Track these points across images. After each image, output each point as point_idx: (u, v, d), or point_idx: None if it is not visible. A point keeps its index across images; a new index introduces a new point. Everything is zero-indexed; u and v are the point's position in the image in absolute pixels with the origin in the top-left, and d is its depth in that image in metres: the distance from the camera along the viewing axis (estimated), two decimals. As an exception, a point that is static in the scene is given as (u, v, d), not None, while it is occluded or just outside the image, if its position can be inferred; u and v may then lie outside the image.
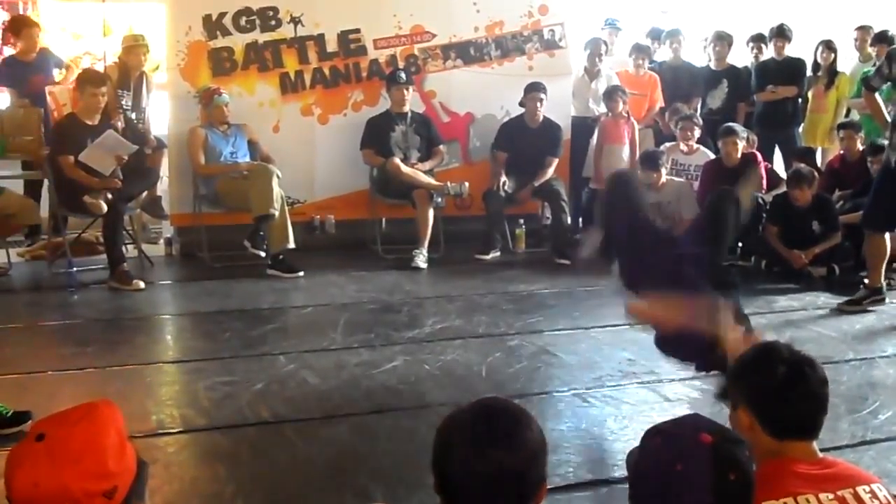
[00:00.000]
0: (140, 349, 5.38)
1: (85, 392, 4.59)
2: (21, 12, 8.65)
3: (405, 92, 7.70)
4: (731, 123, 7.87)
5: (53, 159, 6.74)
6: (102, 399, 2.03)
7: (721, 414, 4.01)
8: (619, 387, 4.75)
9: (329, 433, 4.08)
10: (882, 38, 8.56)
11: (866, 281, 6.42)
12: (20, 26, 7.73)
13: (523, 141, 7.89)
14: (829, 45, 9.00)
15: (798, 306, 6.47)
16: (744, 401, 2.21)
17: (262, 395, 4.50)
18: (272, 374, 4.79)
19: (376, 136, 7.67)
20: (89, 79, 6.93)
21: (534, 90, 7.90)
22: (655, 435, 1.90)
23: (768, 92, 8.68)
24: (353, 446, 3.96)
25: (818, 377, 2.21)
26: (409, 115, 7.77)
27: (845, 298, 6.39)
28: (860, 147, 7.85)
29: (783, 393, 2.17)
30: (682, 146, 8.16)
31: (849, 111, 9.03)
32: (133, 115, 7.52)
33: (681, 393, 4.69)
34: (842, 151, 8.14)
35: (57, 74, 7.97)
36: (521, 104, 7.94)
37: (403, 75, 7.74)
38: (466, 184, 7.60)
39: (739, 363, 2.30)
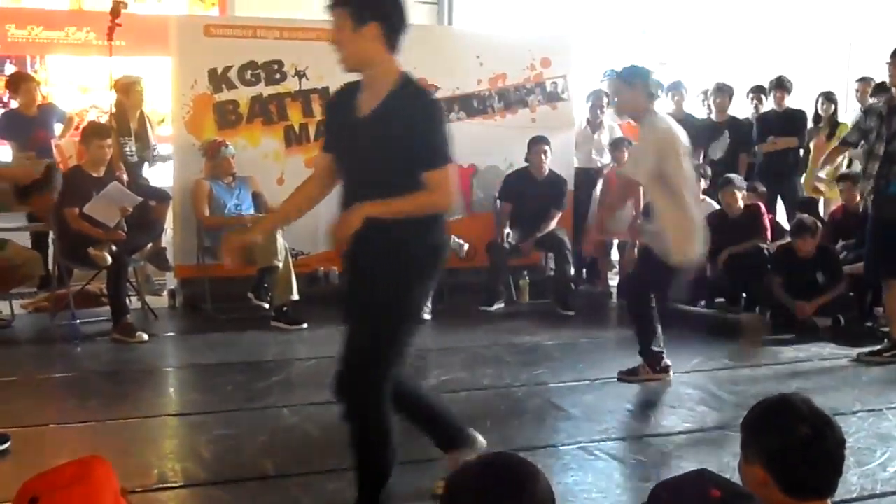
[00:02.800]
0: (143, 402, 5.35)
1: (87, 446, 4.55)
2: (29, 66, 8.72)
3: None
4: (729, 174, 7.89)
5: (59, 211, 6.77)
6: (95, 456, 1.99)
7: (728, 466, 4.00)
8: (624, 440, 4.71)
9: (333, 487, 4.04)
10: (882, 88, 8.61)
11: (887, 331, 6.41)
12: (18, 82, 7.81)
13: (529, 193, 7.92)
14: (828, 97, 9.07)
15: (804, 357, 6.44)
16: (761, 458, 2.16)
17: (266, 448, 4.47)
18: (275, 428, 4.76)
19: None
20: (95, 132, 6.98)
21: (538, 143, 7.95)
22: (663, 490, 1.88)
23: (769, 143, 8.72)
24: (357, 501, 3.91)
25: (837, 438, 2.17)
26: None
27: (868, 349, 6.34)
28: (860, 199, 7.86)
29: (804, 454, 2.13)
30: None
31: (851, 162, 9.06)
32: (135, 159, 7.57)
33: (687, 446, 4.65)
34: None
35: (58, 128, 8.03)
36: (526, 160, 7.98)
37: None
38: (466, 245, 7.61)
39: (757, 417, 2.25)
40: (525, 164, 8.06)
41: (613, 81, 5.64)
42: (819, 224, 7.55)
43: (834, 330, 7.09)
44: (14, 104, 8.00)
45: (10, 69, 8.61)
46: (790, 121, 8.82)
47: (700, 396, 5.46)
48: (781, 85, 8.85)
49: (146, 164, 7.84)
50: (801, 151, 9.03)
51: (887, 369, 6.08)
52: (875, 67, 9.66)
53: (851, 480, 4.04)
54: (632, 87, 5.41)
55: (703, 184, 8.17)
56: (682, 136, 5.39)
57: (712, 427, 4.88)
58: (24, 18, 8.74)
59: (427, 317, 7.30)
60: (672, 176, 5.25)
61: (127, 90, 7.58)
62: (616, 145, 8.29)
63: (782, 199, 8.91)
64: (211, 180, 7.39)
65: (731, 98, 8.94)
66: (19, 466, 4.26)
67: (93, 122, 8.09)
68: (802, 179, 9.15)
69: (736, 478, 2.31)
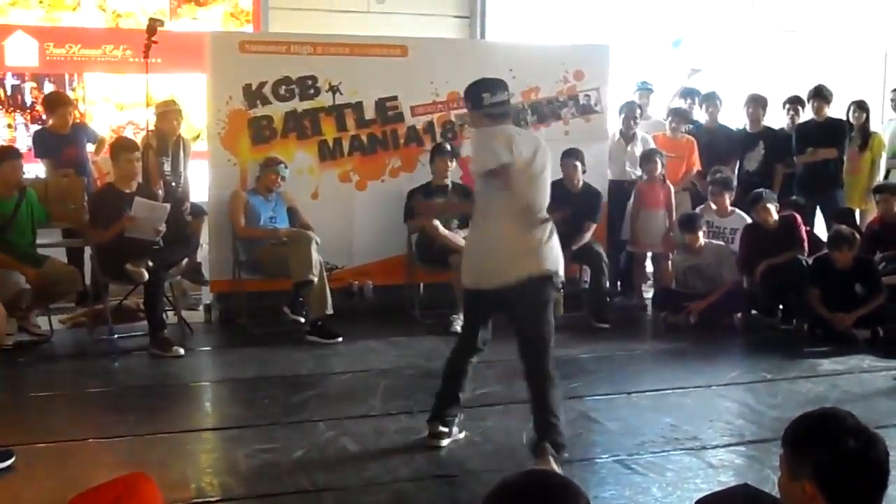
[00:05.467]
0: (180, 416, 5.39)
1: (125, 460, 4.60)
2: (67, 84, 8.83)
3: (448, 163, 7.73)
4: (758, 190, 7.82)
5: (89, 230, 6.89)
6: (139, 473, 2.01)
7: (768, 480, 3.96)
8: (662, 453, 4.68)
9: (369, 501, 4.05)
10: None
11: None
12: (55, 104, 7.85)
13: (563, 205, 7.88)
14: (860, 106, 8.96)
15: (843, 370, 6.37)
16: (808, 472, 2.14)
17: (302, 462, 4.48)
18: (312, 442, 4.78)
19: (418, 207, 7.70)
20: (122, 146, 7.06)
21: (568, 156, 7.91)
22: (707, 505, 1.86)
23: (808, 154, 8.61)
24: (393, 515, 3.92)
25: (884, 451, 2.16)
26: (450, 186, 7.80)
27: None
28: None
29: (854, 468, 2.11)
30: (715, 208, 8.12)
31: (888, 172, 8.97)
32: (173, 182, 7.63)
33: (725, 459, 4.62)
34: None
35: (90, 147, 8.08)
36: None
37: (449, 147, 7.80)
38: None
39: (803, 431, 2.23)
40: (560, 177, 8.03)
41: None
42: (857, 235, 7.47)
43: (873, 342, 7.01)
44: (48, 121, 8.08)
45: (48, 87, 8.73)
46: (830, 131, 8.69)
47: (738, 409, 5.41)
48: (821, 95, 8.74)
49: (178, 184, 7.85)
50: (840, 163, 8.92)
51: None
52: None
53: (893, 495, 3.98)
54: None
55: (728, 196, 8.10)
56: None
57: (751, 440, 4.84)
58: (62, 37, 8.84)
59: (459, 330, 7.30)
60: None
61: (162, 116, 7.66)
62: (648, 157, 8.26)
63: (822, 210, 8.80)
64: (249, 193, 7.44)
65: (764, 109, 8.87)
66: (59, 481, 4.30)
67: (120, 136, 8.14)
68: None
69: (776, 492, 2.29)
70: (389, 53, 8.02)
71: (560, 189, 7.97)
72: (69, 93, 8.67)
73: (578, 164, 7.90)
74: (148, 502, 1.83)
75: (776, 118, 9.15)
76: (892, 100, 9.25)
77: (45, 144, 7.77)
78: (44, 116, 8.29)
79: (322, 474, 4.33)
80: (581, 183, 7.98)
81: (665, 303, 8.01)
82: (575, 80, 8.48)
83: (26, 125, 8.82)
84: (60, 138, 7.75)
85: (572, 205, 7.91)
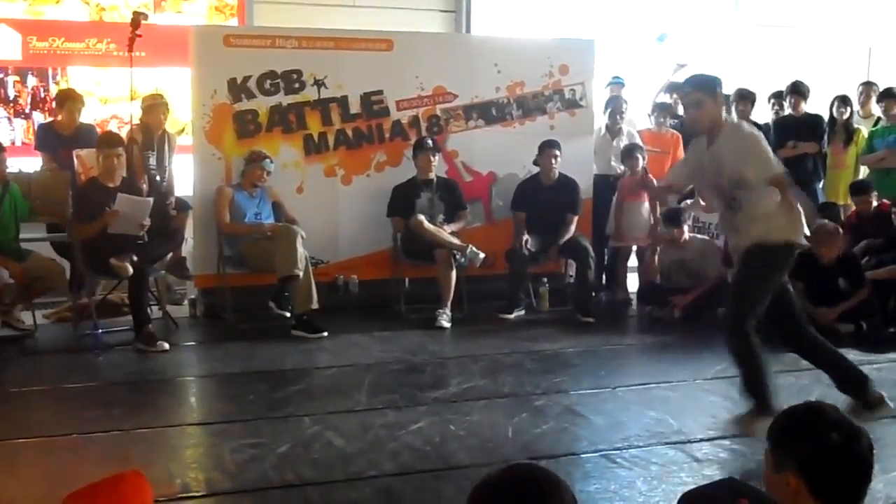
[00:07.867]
0: (164, 411, 5.37)
1: (110, 455, 4.58)
2: (51, 78, 8.79)
3: (432, 158, 7.72)
4: None
5: (73, 225, 6.85)
6: (132, 471, 2.00)
7: (752, 474, 3.97)
8: (646, 447, 4.68)
9: (354, 496, 4.04)
10: (889, 94, 8.56)
11: None
12: (63, 100, 7.76)
13: (540, 199, 7.90)
14: (844, 100, 9.00)
15: (826, 364, 6.38)
16: (793, 466, 2.15)
17: (287, 457, 4.47)
18: (297, 437, 4.77)
19: (402, 203, 7.70)
20: (106, 141, 7.05)
21: (547, 147, 7.93)
22: (693, 499, 1.87)
23: (789, 147, 8.65)
24: (379, 510, 3.92)
25: (868, 444, 2.17)
26: (435, 181, 7.79)
27: None
28: (875, 204, 7.87)
29: (839, 460, 2.13)
30: (702, 203, 8.12)
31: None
32: (157, 176, 7.59)
33: (710, 453, 4.63)
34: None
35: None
36: (535, 163, 7.97)
37: (430, 142, 7.79)
38: (482, 255, 7.55)
39: (788, 425, 2.24)
40: (536, 171, 8.04)
41: (690, 93, 5.11)
42: (840, 230, 7.49)
43: (857, 336, 7.04)
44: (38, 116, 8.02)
45: (31, 81, 8.68)
46: (808, 126, 8.75)
47: (723, 403, 5.42)
48: (797, 90, 8.80)
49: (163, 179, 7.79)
50: (819, 156, 8.96)
51: (911, 375, 6.03)
52: (894, 71, 9.64)
53: (877, 488, 4.01)
54: (715, 98, 4.98)
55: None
56: None
57: (736, 434, 4.84)
58: (45, 30, 8.80)
59: (446, 324, 7.32)
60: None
61: (148, 110, 7.62)
62: (628, 153, 8.25)
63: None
64: (234, 188, 7.42)
65: (752, 104, 8.89)
66: (43, 476, 4.29)
67: (106, 131, 8.10)
68: (821, 185, 9.08)
69: (761, 486, 2.30)
70: (375, 47, 8.01)
71: (536, 183, 8.00)
72: (52, 87, 8.64)
73: (558, 153, 7.89)
74: (129, 499, 1.82)
75: (762, 113, 9.17)
76: (859, 93, 9.29)
77: (47, 139, 7.70)
78: (27, 110, 8.23)
79: (307, 469, 4.32)
80: (556, 175, 7.96)
81: (650, 297, 8.03)
82: (560, 75, 8.49)
83: (9, 119, 8.77)
84: (61, 139, 7.66)
85: (548, 197, 7.93)
